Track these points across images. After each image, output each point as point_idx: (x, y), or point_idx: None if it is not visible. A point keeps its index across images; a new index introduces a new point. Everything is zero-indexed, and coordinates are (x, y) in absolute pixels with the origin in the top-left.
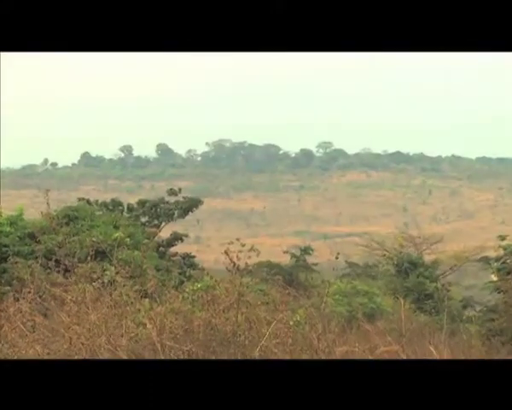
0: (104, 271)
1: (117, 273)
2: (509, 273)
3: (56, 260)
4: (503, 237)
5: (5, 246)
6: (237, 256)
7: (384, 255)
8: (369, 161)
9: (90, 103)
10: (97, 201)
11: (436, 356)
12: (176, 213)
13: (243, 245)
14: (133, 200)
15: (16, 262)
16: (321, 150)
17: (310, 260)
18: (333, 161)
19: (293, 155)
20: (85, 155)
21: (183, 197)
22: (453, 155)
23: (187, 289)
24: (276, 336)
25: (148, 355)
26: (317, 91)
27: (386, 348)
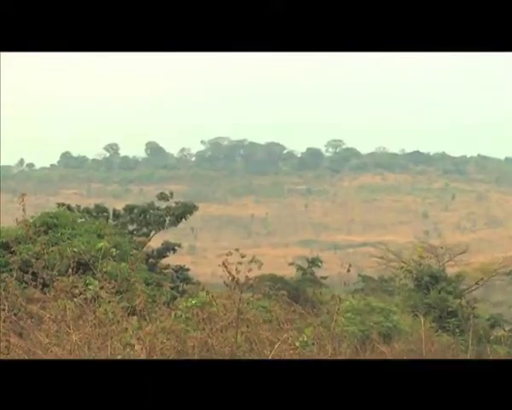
0: (87, 285)
1: (101, 288)
2: None
3: (33, 274)
4: None
5: None
6: (236, 269)
7: (402, 268)
8: (384, 162)
9: (79, 102)
10: (79, 206)
11: None
12: (167, 220)
13: (243, 256)
14: (119, 205)
15: None
16: (330, 149)
17: (318, 273)
18: (344, 161)
19: (299, 154)
20: (66, 155)
21: (176, 202)
22: (479, 155)
23: (180, 306)
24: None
25: None
26: (325, 90)
27: None
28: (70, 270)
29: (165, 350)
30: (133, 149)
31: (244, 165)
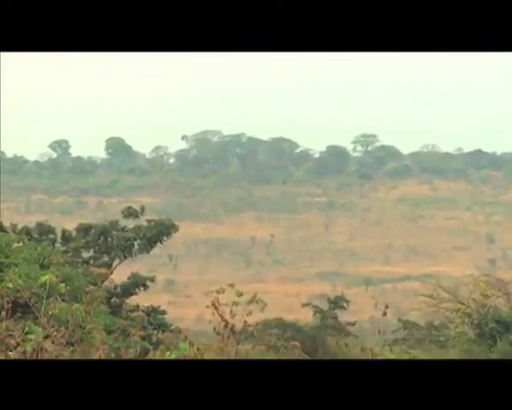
0: (26, 333)
1: (46, 338)
2: None
3: None
4: None
5: None
6: (231, 311)
7: (458, 311)
8: (434, 165)
9: (79, 102)
10: (15, 226)
11: None
12: (136, 244)
13: (240, 294)
14: (71, 224)
15: None
16: (359, 148)
17: (343, 316)
18: (378, 164)
19: (317, 154)
20: None
21: (148, 221)
22: None
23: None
24: None
25: None
26: (337, 90)
27: None
28: (3, 313)
29: None
30: (89, 147)
31: (241, 169)
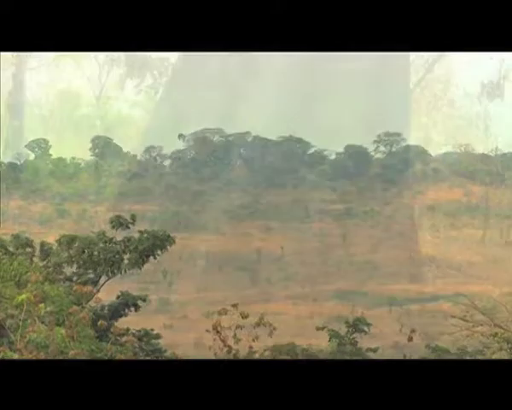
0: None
1: None
2: None
3: None
4: None
5: None
6: (235, 336)
7: (495, 335)
8: (468, 168)
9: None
10: None
11: None
12: (126, 259)
13: (245, 316)
14: (51, 236)
15: None
16: (382, 148)
17: (364, 341)
18: (404, 166)
19: (334, 155)
20: None
21: (140, 232)
22: None
23: None
24: None
25: None
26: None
27: None
28: None
29: None
30: (72, 147)
31: (246, 172)
